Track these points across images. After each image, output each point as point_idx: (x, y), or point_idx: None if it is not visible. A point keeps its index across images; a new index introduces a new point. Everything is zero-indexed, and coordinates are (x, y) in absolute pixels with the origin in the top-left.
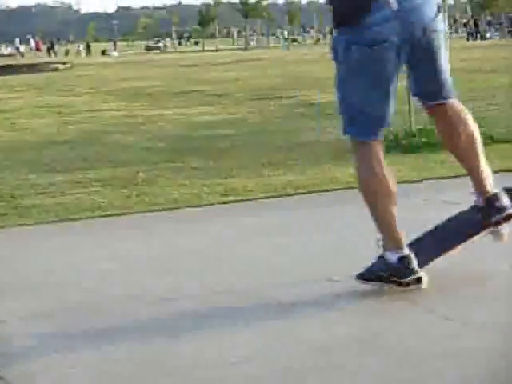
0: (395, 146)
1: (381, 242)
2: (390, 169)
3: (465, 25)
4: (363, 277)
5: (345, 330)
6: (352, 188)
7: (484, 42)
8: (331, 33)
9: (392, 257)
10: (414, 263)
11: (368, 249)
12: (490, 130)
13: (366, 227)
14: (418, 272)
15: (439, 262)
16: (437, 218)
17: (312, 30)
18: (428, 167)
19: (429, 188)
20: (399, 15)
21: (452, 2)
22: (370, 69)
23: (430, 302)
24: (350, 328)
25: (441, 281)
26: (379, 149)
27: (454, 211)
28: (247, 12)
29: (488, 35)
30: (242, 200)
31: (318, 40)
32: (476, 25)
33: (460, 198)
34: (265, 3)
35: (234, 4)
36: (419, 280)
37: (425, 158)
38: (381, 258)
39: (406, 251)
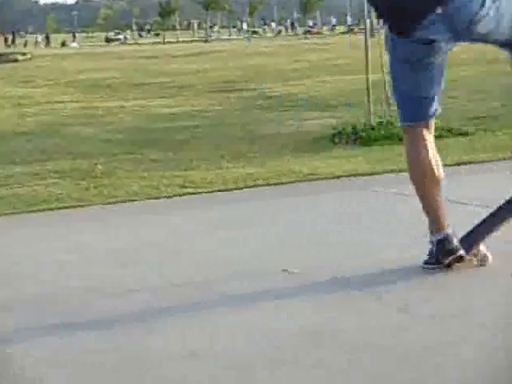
0: (354, 139)
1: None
2: (436, 154)
3: None
4: (428, 262)
5: (310, 322)
6: (310, 180)
7: None
8: (292, 25)
9: (434, 239)
10: (453, 244)
11: (325, 240)
12: (448, 122)
13: (323, 219)
14: (457, 252)
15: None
16: (383, 209)
17: (273, 23)
18: (385, 160)
19: (384, 180)
20: (443, 17)
21: None
22: (417, 58)
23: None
24: (317, 319)
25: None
26: (427, 135)
27: (402, 203)
28: (208, 4)
29: None
30: (201, 192)
31: (280, 32)
32: None
33: (411, 191)
34: None
35: None
36: (461, 258)
37: (383, 150)
38: (431, 241)
39: (445, 233)
